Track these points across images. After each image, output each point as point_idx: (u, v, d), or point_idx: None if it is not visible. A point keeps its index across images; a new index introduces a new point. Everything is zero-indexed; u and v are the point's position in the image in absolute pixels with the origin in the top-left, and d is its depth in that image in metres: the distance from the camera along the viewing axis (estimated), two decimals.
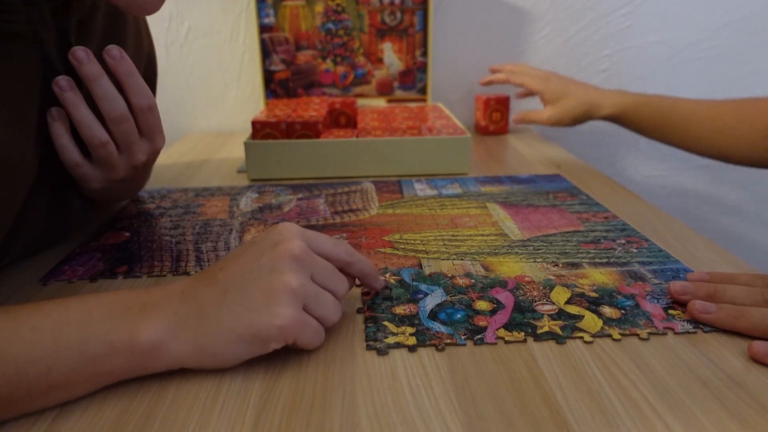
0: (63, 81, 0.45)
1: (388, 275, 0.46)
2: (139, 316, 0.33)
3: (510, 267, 0.48)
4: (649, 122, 0.77)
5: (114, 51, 0.45)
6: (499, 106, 0.97)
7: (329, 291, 0.37)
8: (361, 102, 1.00)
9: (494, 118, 0.97)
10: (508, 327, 0.39)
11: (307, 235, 0.38)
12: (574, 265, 0.48)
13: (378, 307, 0.42)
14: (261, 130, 0.74)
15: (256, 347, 0.34)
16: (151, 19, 0.99)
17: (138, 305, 0.34)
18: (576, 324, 0.39)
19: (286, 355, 0.36)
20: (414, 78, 1.01)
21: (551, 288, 0.44)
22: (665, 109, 0.75)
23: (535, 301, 0.42)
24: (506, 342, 0.37)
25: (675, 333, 0.38)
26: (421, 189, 0.68)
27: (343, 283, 0.38)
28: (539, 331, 0.38)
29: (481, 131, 0.99)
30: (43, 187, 0.48)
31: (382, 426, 0.30)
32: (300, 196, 0.66)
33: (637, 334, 0.38)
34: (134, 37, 0.58)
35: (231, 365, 0.35)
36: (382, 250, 0.52)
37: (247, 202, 0.65)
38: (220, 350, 0.33)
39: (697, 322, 0.39)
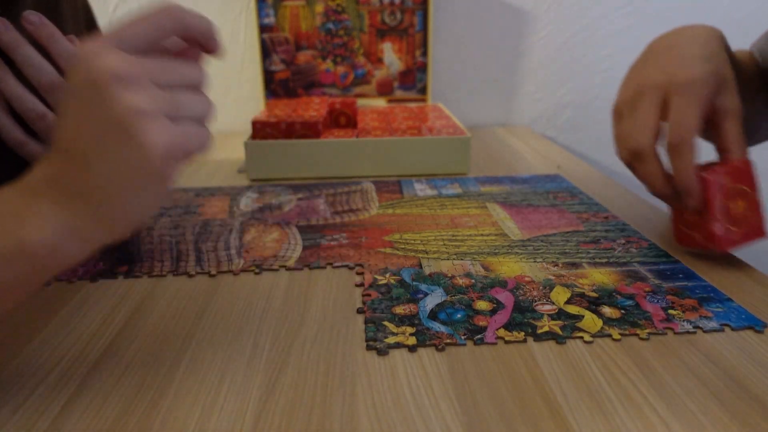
0: None
1: (388, 275, 0.46)
2: (20, 220, 0.30)
3: (510, 267, 0.48)
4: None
5: (32, 16, 0.44)
6: (742, 183, 0.47)
7: (185, 85, 0.32)
8: (361, 102, 1.00)
9: (735, 209, 0.46)
10: (508, 327, 0.39)
11: (115, 40, 0.30)
12: (574, 265, 0.48)
13: (378, 307, 0.42)
14: (261, 130, 0.74)
15: (153, 188, 0.31)
16: None
17: (12, 211, 0.30)
18: (576, 324, 0.39)
19: (286, 355, 0.36)
20: (414, 78, 1.01)
21: (551, 288, 0.44)
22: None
23: (535, 301, 0.42)
24: (506, 342, 0.37)
25: (675, 333, 0.38)
26: (421, 189, 0.68)
27: (193, 68, 0.34)
28: (539, 331, 0.38)
29: (713, 243, 0.47)
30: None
31: (382, 426, 0.30)
32: (300, 196, 0.66)
33: (637, 334, 0.38)
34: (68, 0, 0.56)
35: (140, 221, 0.32)
36: (382, 250, 0.52)
37: (247, 202, 0.65)
38: (118, 217, 0.31)
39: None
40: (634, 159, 0.48)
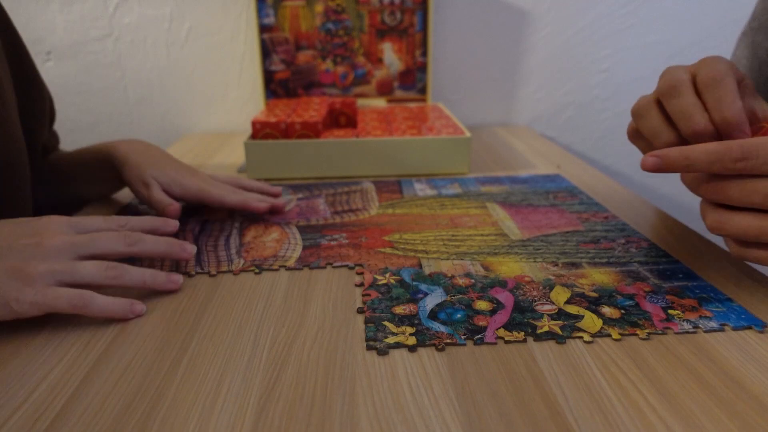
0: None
1: (388, 275, 0.47)
2: None
3: (510, 267, 0.48)
4: None
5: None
6: None
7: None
8: (361, 102, 1.00)
9: None
10: (507, 327, 0.39)
11: (77, 226, 0.43)
12: (574, 265, 0.48)
13: (378, 307, 0.42)
14: (261, 130, 0.74)
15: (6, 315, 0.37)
16: (151, 20, 0.99)
17: None
18: (576, 324, 0.39)
19: (287, 355, 0.36)
20: (414, 78, 1.01)
21: (551, 288, 0.44)
22: None
23: (535, 301, 0.42)
24: (506, 342, 0.37)
25: (675, 333, 0.38)
26: (421, 189, 0.68)
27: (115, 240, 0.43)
28: (539, 331, 0.38)
29: None
30: None
31: (382, 426, 0.30)
32: (300, 196, 0.66)
33: (637, 334, 0.38)
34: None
35: None
36: (382, 250, 0.52)
37: None
38: None
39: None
40: (668, 93, 0.43)
